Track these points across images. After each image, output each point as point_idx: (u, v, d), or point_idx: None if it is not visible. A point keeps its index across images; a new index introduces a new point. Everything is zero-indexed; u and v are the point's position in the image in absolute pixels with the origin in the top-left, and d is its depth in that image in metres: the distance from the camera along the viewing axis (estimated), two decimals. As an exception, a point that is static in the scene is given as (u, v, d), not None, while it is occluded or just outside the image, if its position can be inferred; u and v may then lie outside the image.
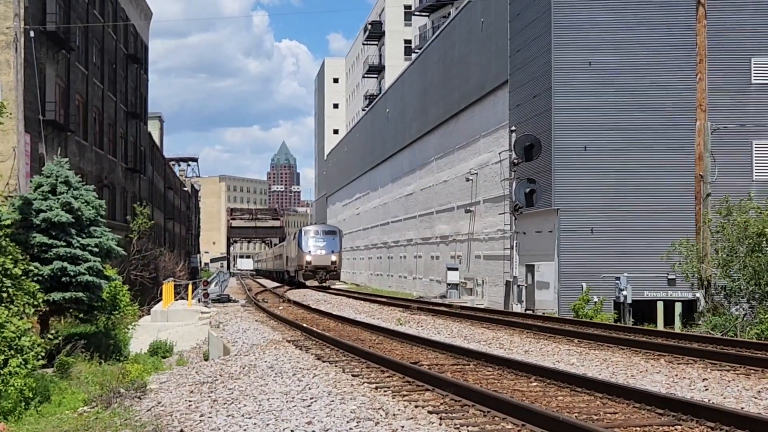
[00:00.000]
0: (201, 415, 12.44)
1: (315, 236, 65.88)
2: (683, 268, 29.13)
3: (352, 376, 15.24)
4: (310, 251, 64.69)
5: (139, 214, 54.10)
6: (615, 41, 38.74)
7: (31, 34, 35.44)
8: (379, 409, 11.85)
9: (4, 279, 19.07)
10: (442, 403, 12.30)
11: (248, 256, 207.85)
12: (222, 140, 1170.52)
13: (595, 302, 34.59)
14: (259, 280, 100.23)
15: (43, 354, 17.28)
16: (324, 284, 63.95)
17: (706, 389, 13.41)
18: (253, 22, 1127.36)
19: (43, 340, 18.19)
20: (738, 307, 27.34)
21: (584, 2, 39.01)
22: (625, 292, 33.67)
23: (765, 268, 26.03)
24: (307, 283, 63.98)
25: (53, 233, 23.50)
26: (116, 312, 28.15)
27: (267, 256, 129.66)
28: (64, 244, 23.47)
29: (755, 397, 12.56)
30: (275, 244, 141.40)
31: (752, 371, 15.12)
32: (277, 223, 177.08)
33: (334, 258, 65.01)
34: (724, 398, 12.57)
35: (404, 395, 13.05)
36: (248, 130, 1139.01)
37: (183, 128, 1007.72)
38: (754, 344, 18.90)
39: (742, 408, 11.72)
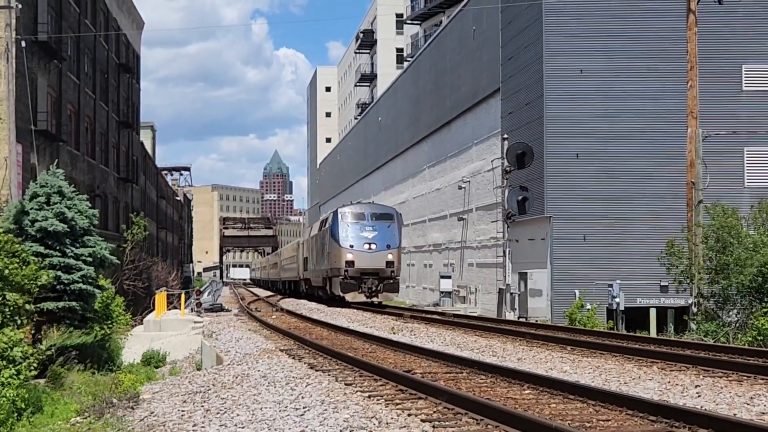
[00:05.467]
0: (194, 425, 12.43)
1: (359, 222, 43.27)
2: (674, 271, 29.24)
3: (345, 384, 15.23)
4: (352, 245, 42.25)
5: (136, 224, 53.92)
6: (606, 49, 38.87)
7: (23, 44, 35.42)
8: (372, 417, 11.85)
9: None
10: (435, 412, 12.29)
11: (243, 265, 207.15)
12: (218, 149, 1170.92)
13: (589, 309, 34.60)
14: (252, 289, 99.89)
15: (35, 365, 17.24)
16: (374, 299, 42.23)
17: (699, 396, 13.43)
18: (253, 30, 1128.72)
19: (35, 351, 18.14)
20: (729, 313, 27.48)
21: (575, 10, 39.14)
22: (617, 299, 33.71)
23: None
24: (348, 297, 42.09)
25: (48, 242, 23.49)
26: (109, 322, 28.11)
27: (268, 263, 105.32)
28: (58, 253, 23.45)
29: (747, 404, 12.59)
30: (268, 253, 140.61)
31: (744, 377, 15.15)
32: (269, 232, 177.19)
33: (390, 257, 42.46)
34: (717, 405, 12.58)
35: (397, 404, 13.04)
36: (244, 139, 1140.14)
37: (179, 137, 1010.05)
38: (746, 351, 18.94)
39: (734, 414, 11.74)
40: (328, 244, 44.45)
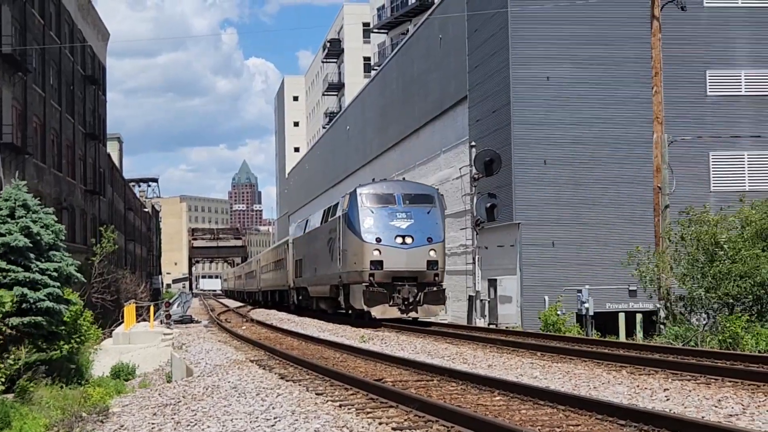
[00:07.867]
0: (164, 438, 12.35)
1: (387, 206, 32.25)
2: (642, 274, 29.27)
3: (316, 394, 15.20)
4: (379, 239, 31.21)
5: (105, 237, 53.42)
6: (572, 56, 39.08)
7: (-13, 56, 35.17)
8: (343, 427, 11.83)
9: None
10: (406, 420, 12.29)
11: (214, 276, 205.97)
12: (188, 160, 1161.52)
13: (564, 314, 34.62)
14: (222, 300, 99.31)
15: (2, 379, 17.08)
16: (412, 313, 31.37)
17: (668, 399, 13.51)
18: (222, 40, 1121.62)
19: (2, 366, 17.98)
20: (698, 316, 27.59)
21: (541, 18, 39.31)
22: (587, 305, 33.82)
23: (724, 276, 26.29)
24: (375, 312, 30.97)
25: (11, 257, 23.28)
26: (77, 336, 27.90)
27: (243, 271, 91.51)
28: (22, 269, 23.25)
29: (715, 406, 12.68)
30: (238, 263, 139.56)
31: (712, 380, 15.25)
32: (239, 243, 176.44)
33: (433, 254, 31.55)
34: (685, 408, 12.67)
35: (368, 412, 13.02)
36: (214, 150, 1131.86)
37: (150, 148, 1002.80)
38: (713, 354, 19.07)
39: (702, 417, 11.82)
40: (341, 238, 33.48)
